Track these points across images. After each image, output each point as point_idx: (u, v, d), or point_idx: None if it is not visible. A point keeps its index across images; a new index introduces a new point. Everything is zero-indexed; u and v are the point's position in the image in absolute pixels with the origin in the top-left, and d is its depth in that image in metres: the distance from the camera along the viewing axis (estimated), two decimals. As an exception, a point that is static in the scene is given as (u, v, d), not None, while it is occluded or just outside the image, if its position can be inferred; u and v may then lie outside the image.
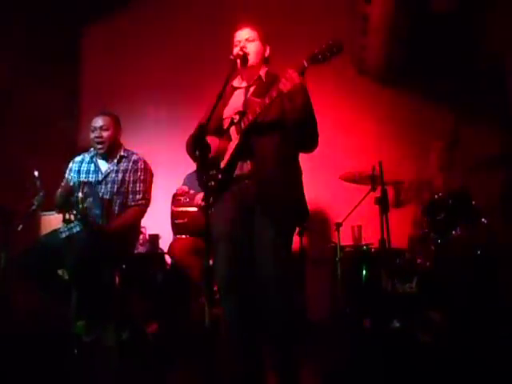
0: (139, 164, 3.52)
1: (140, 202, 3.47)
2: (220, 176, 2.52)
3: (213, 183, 2.51)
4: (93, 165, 3.53)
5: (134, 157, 3.55)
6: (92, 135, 3.49)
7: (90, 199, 3.27)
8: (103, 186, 3.45)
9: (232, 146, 2.54)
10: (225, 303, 2.60)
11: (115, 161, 3.51)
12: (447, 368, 2.94)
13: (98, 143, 3.47)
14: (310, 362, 2.90)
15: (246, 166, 2.53)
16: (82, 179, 3.44)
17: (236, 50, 2.59)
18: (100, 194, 3.38)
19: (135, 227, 3.62)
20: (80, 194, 3.24)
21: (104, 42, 5.48)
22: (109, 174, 3.48)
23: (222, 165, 2.55)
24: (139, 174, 3.49)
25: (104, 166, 3.53)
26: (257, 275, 2.48)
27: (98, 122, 3.48)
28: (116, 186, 3.45)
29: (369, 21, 4.13)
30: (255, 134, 2.50)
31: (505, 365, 2.86)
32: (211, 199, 2.54)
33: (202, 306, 3.88)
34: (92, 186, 3.36)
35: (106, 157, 3.52)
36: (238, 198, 2.54)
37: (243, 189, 2.53)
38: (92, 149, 3.58)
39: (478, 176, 4.01)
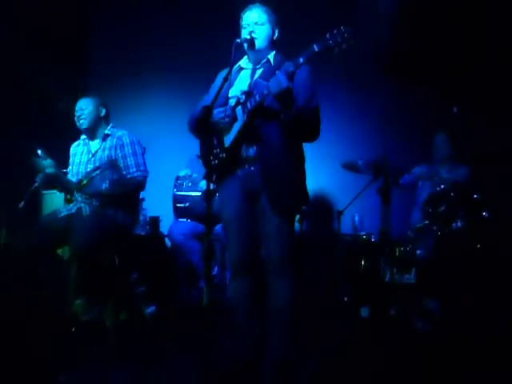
0: (124, 139, 3.55)
1: (136, 174, 3.50)
2: (224, 155, 2.50)
3: (216, 161, 2.50)
4: (85, 147, 3.61)
5: (118, 133, 3.59)
6: (75, 117, 3.56)
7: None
8: (91, 165, 3.50)
9: (238, 126, 2.50)
10: (234, 285, 2.61)
11: (100, 139, 3.57)
12: (443, 355, 2.97)
13: (78, 121, 3.54)
14: (306, 350, 2.91)
15: (252, 150, 2.50)
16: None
17: (244, 34, 2.55)
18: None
19: (134, 202, 3.64)
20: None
21: (112, 21, 5.44)
22: (96, 152, 3.55)
23: (227, 144, 2.52)
24: (126, 148, 3.53)
25: (93, 146, 3.59)
26: (262, 260, 2.50)
27: (79, 104, 3.57)
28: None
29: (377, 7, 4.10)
30: (261, 117, 2.48)
31: (500, 354, 2.89)
32: (214, 178, 2.55)
33: (200, 289, 3.90)
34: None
35: (93, 136, 3.58)
36: (243, 184, 2.52)
37: (248, 175, 2.51)
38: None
39: (481, 169, 4.00)
